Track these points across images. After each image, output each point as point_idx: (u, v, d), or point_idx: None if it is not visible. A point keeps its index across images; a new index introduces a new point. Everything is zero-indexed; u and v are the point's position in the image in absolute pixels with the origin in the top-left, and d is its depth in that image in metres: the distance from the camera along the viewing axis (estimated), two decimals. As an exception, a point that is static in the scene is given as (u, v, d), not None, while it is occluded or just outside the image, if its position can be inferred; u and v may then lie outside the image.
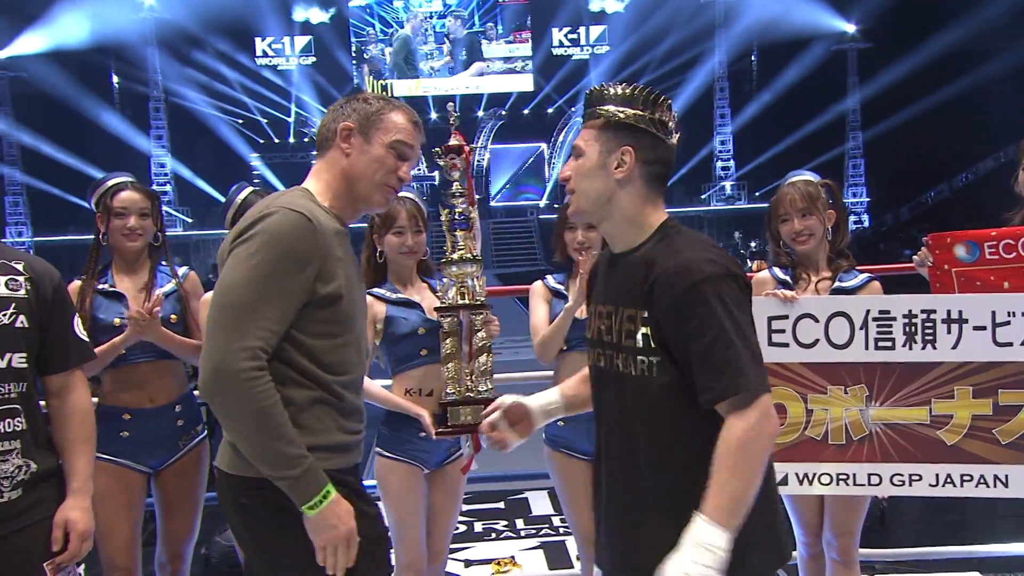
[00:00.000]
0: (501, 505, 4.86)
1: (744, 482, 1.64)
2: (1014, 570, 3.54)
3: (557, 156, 27.46)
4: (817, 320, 2.73)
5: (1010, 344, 2.66)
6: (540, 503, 4.88)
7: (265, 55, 27.51)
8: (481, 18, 28.56)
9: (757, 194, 22.73)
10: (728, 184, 25.85)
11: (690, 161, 24.81)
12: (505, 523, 4.63)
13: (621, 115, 1.80)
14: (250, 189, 2.95)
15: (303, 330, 1.83)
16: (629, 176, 1.80)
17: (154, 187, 26.79)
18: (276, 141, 28.58)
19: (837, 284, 2.82)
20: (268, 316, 1.77)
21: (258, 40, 27.57)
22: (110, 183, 2.84)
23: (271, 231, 1.79)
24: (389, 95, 2.05)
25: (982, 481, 2.72)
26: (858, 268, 2.88)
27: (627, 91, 1.81)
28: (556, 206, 26.87)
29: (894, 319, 2.72)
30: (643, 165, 1.80)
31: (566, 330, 2.93)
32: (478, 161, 27.00)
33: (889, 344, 2.72)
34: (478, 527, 4.58)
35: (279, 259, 1.78)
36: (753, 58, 25.26)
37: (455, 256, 2.71)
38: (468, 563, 4.09)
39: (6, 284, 2.09)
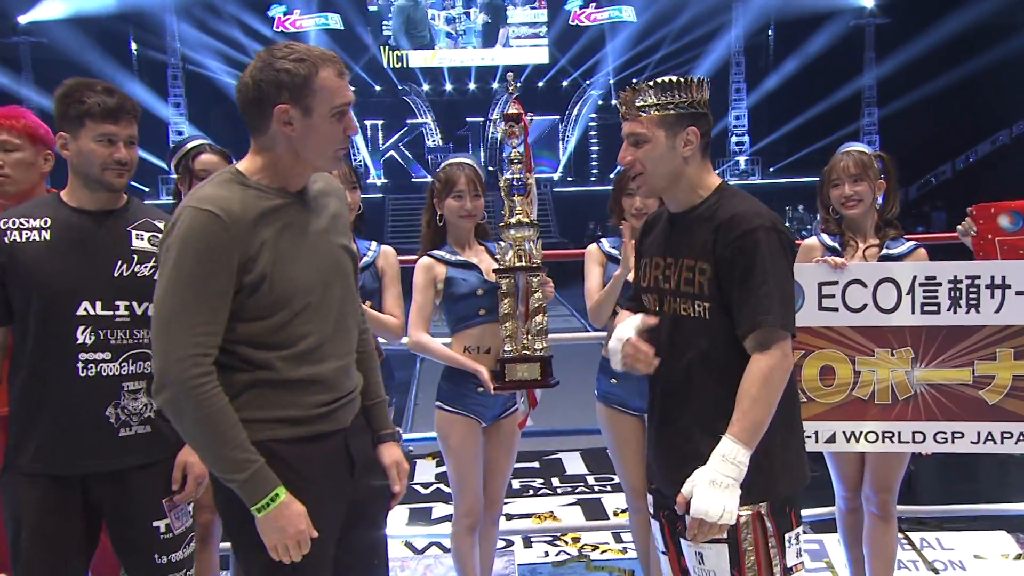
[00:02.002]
0: (536, 465, 5.02)
1: (764, 410, 1.93)
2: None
3: (572, 130, 27.39)
4: (865, 286, 2.84)
5: (1051, 309, 2.78)
6: (574, 463, 5.04)
7: (282, 23, 27.45)
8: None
9: (771, 169, 22.76)
10: (742, 159, 25.81)
11: (705, 136, 24.77)
12: (541, 480, 4.79)
13: (684, 103, 2.03)
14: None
15: (235, 316, 1.85)
16: (694, 152, 2.05)
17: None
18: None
19: (885, 251, 2.93)
20: (199, 320, 1.80)
21: (275, 7, 27.51)
22: (189, 146, 2.95)
23: (182, 236, 1.81)
24: (303, 45, 1.94)
25: (1022, 438, 2.85)
26: (905, 236, 2.99)
27: (676, 81, 2.05)
28: (570, 179, 26.89)
29: (939, 284, 2.83)
30: (701, 139, 2.06)
31: (617, 294, 3.04)
32: (492, 133, 27.01)
33: (935, 308, 2.84)
34: (516, 484, 4.74)
35: (195, 263, 1.80)
36: (770, 33, 25.15)
37: (513, 220, 2.82)
38: (509, 516, 4.25)
39: (149, 240, 2.28)
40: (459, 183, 3.02)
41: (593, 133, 27.38)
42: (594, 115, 27.27)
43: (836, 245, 2.96)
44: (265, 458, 1.84)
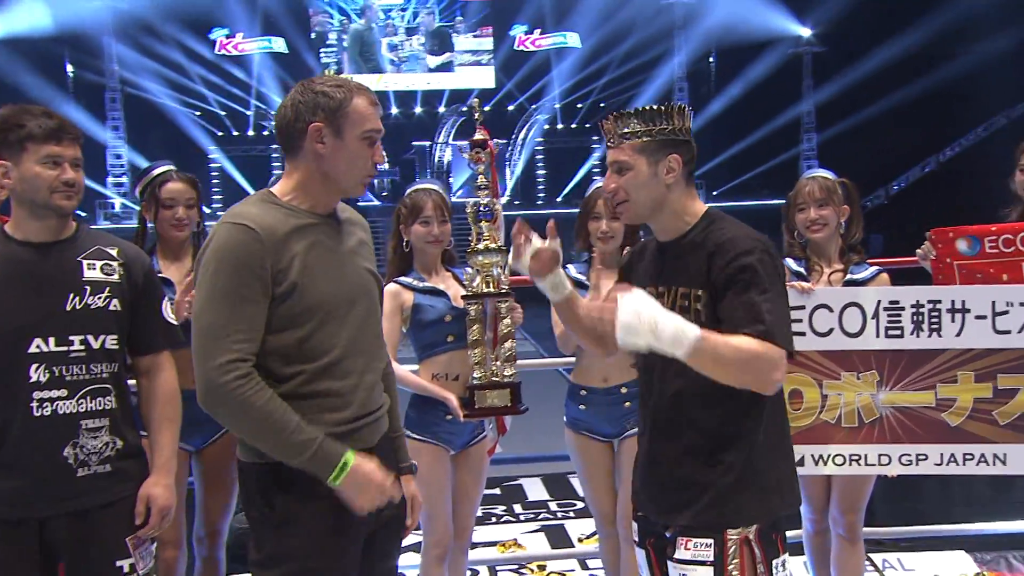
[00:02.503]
0: (498, 491, 4.98)
1: (724, 364, 1.87)
2: (997, 548, 3.75)
3: (518, 154, 27.53)
4: (832, 310, 2.89)
5: (1008, 332, 2.85)
6: (535, 489, 5.01)
7: (224, 46, 27.12)
8: (442, 12, 28.51)
9: (715, 193, 23.12)
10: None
11: (650, 161, 25.09)
12: (503, 507, 4.75)
13: (667, 131, 2.05)
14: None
15: (265, 328, 1.92)
16: (676, 179, 2.06)
17: (109, 178, 26.04)
18: (235, 133, 28.21)
19: (849, 276, 2.98)
20: (238, 328, 1.88)
21: (217, 30, 27.18)
22: (156, 172, 2.89)
23: (219, 250, 1.90)
24: (341, 76, 2.10)
25: (982, 459, 2.90)
26: (867, 261, 3.05)
27: (657, 109, 2.07)
28: (517, 203, 26.97)
29: (903, 309, 2.89)
30: (684, 167, 2.07)
31: None
32: (439, 157, 27.01)
33: (898, 332, 2.89)
34: (478, 512, 4.67)
35: (231, 275, 1.88)
36: (711, 60, 25.68)
37: (480, 246, 2.82)
38: (473, 545, 4.17)
39: (102, 269, 2.19)
40: (426, 209, 3.00)
41: (540, 157, 27.57)
42: (540, 139, 27.48)
43: (802, 270, 3.01)
44: (288, 479, 1.91)
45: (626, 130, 2.05)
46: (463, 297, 2.85)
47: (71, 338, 2.12)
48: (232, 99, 27.80)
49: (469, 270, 2.84)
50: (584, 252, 3.17)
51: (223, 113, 27.87)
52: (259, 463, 1.95)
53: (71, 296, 2.13)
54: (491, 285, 2.81)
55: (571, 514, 4.64)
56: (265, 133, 28.15)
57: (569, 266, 3.21)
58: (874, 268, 3.03)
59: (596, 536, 4.20)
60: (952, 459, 2.92)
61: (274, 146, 27.82)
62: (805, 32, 23.73)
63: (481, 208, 2.84)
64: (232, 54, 27.14)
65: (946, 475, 2.97)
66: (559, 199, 25.89)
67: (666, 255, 2.11)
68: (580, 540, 4.28)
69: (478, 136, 2.87)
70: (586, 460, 3.13)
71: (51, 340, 2.10)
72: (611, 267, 3.07)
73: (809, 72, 23.63)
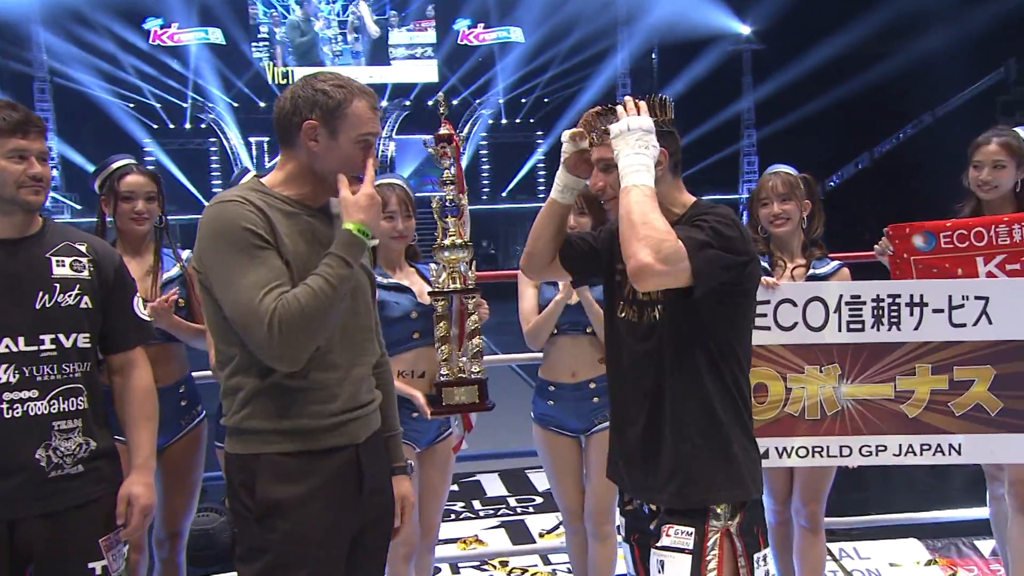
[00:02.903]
0: (456, 488, 4.95)
1: (637, 223, 1.88)
2: (947, 535, 3.86)
3: (462, 149, 27.41)
4: (796, 304, 2.93)
5: (964, 325, 2.92)
6: (493, 484, 5.00)
7: (159, 37, 26.44)
8: (382, 6, 28.23)
9: (658, 189, 23.33)
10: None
11: (593, 156, 25.22)
12: (462, 504, 4.73)
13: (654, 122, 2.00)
14: (253, 173, 2.95)
15: None
16: (664, 172, 2.04)
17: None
18: (171, 126, 27.56)
19: (812, 271, 3.03)
20: (261, 273, 1.82)
21: (151, 20, 26.48)
22: (114, 165, 2.82)
23: (215, 227, 1.86)
24: (346, 76, 2.08)
25: (939, 450, 2.98)
26: (829, 256, 3.10)
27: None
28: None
29: (864, 303, 2.94)
30: (670, 158, 2.05)
31: (555, 319, 3.04)
32: (383, 152, 26.76)
33: (860, 326, 2.94)
34: (439, 509, 4.65)
35: (237, 240, 1.84)
36: (654, 56, 25.88)
37: (447, 242, 2.79)
38: (433, 543, 4.16)
39: (71, 266, 2.14)
40: (390, 203, 2.96)
41: (484, 153, 27.48)
42: (485, 134, 27.39)
43: (766, 264, 3.04)
44: (271, 472, 1.89)
45: (609, 126, 2.02)
46: (430, 293, 2.81)
47: (41, 337, 2.06)
48: (168, 91, 27.13)
49: (435, 266, 2.82)
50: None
51: (158, 105, 27.19)
52: (242, 454, 1.92)
53: (40, 294, 2.08)
54: (458, 281, 2.79)
55: (531, 509, 4.65)
56: (203, 126, 27.55)
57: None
58: (836, 263, 3.08)
59: (557, 531, 4.23)
60: (910, 450, 2.98)
61: (212, 139, 27.29)
62: (745, 30, 24.07)
63: (447, 203, 2.81)
64: (168, 44, 26.48)
65: (888, 466, 3.03)
66: (504, 194, 25.85)
67: None
68: (541, 535, 4.28)
69: (443, 131, 2.83)
70: (554, 456, 3.13)
71: (20, 340, 2.04)
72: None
73: (749, 69, 23.99)
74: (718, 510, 1.99)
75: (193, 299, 2.87)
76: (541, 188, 25.51)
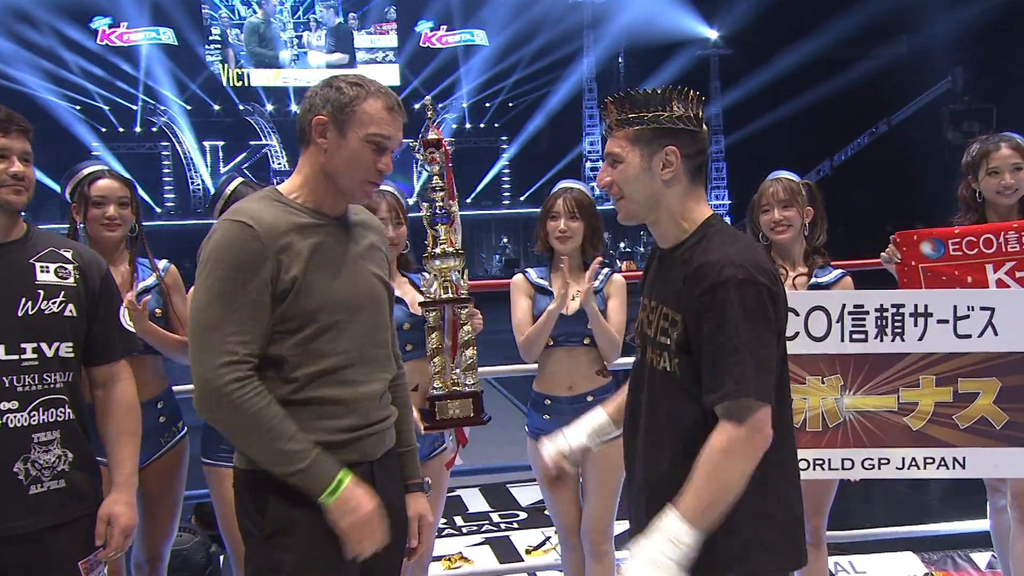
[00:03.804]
0: (436, 502, 4.82)
1: (719, 489, 1.70)
2: (943, 548, 3.82)
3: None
4: (798, 314, 2.84)
5: (969, 336, 2.86)
6: (474, 500, 4.88)
7: (107, 36, 25.87)
8: (346, 8, 28.00)
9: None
10: (596, 185, 26.28)
11: (560, 161, 25.21)
12: (444, 520, 4.59)
13: (661, 118, 1.82)
14: (239, 180, 2.84)
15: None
16: (675, 175, 1.83)
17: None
18: (120, 130, 27.05)
19: (814, 280, 2.96)
20: (234, 329, 1.79)
21: (99, 19, 25.92)
22: (86, 171, 2.70)
23: (216, 248, 1.83)
24: (367, 76, 2.02)
25: (943, 463, 2.91)
26: (831, 264, 3.03)
27: (658, 92, 1.84)
28: (425, 203, 26.53)
29: (867, 313, 2.87)
30: (687, 161, 1.84)
31: (550, 330, 2.95)
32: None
33: (862, 336, 2.87)
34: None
35: (228, 273, 1.81)
36: (620, 60, 25.96)
37: (438, 250, 2.70)
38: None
39: (56, 272, 2.06)
40: (380, 211, 2.85)
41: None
42: (449, 139, 27.24)
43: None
44: (281, 489, 1.82)
45: (619, 116, 1.85)
46: (421, 304, 2.73)
47: (23, 346, 1.98)
48: (117, 93, 26.64)
49: (426, 275, 2.71)
50: (545, 254, 3.09)
51: (107, 108, 26.67)
52: (252, 470, 1.85)
53: (23, 301, 1.99)
54: (450, 291, 2.70)
55: (515, 525, 4.53)
56: (154, 130, 27.05)
57: (529, 271, 3.13)
58: (838, 271, 3.02)
59: (544, 548, 4.13)
60: (914, 463, 2.92)
61: (164, 143, 26.81)
62: (712, 34, 24.21)
63: (437, 211, 2.74)
64: (117, 45, 25.95)
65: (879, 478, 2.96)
66: (468, 200, 25.75)
67: (662, 266, 1.93)
68: (528, 552, 4.17)
69: (431, 136, 2.75)
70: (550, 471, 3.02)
71: (1, 348, 1.95)
72: (575, 269, 2.99)
73: (716, 75, 24.13)
74: None
75: (170, 310, 2.75)
76: (506, 194, 25.48)
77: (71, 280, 2.08)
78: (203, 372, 1.78)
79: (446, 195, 2.79)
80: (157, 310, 2.72)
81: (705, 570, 1.73)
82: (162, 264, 2.83)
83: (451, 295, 2.70)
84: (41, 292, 2.02)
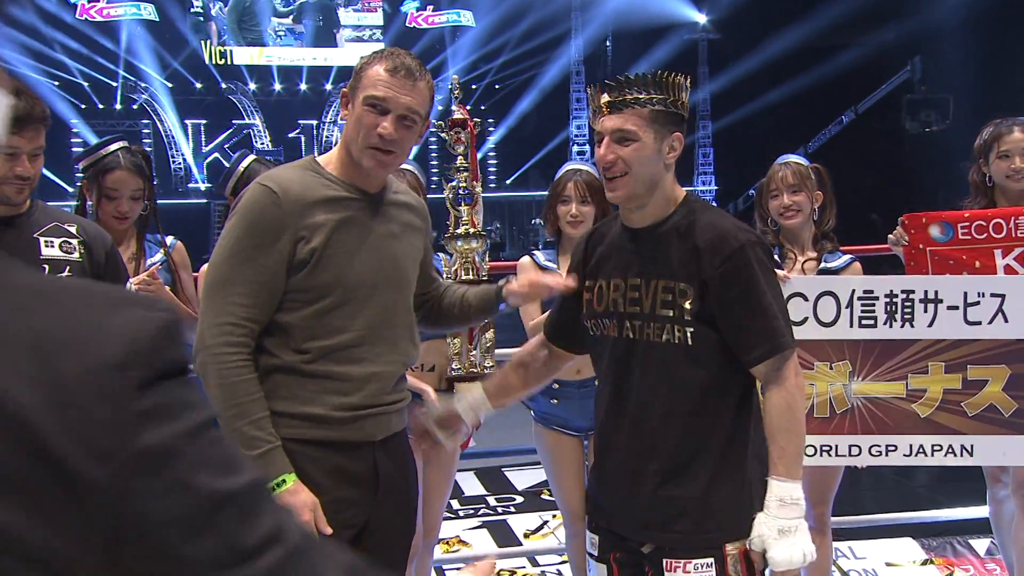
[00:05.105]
0: (431, 486, 4.79)
1: (798, 436, 1.87)
2: (942, 534, 3.83)
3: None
4: (807, 299, 2.82)
5: (979, 323, 2.85)
6: (470, 483, 4.85)
7: (87, 11, 25.42)
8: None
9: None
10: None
11: (547, 145, 25.08)
12: (440, 504, 4.56)
13: (678, 103, 1.90)
14: (252, 158, 2.78)
15: (279, 304, 1.87)
16: (674, 159, 1.93)
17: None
18: (100, 107, 26.64)
19: (823, 264, 2.94)
20: (240, 291, 1.81)
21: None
22: (104, 152, 2.60)
23: (242, 208, 1.86)
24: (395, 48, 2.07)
25: (950, 451, 2.90)
26: (840, 249, 3.01)
27: (669, 79, 1.89)
28: (448, 183, 26.22)
29: (877, 298, 2.85)
30: (681, 147, 1.94)
31: None
32: (327, 136, 26.26)
33: (872, 322, 2.85)
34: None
35: (246, 234, 1.83)
36: (608, 44, 25.79)
37: (460, 231, 2.68)
38: (413, 545, 4.01)
39: (60, 246, 2.05)
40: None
41: (432, 140, 27.18)
42: (433, 121, 27.09)
43: (776, 257, 2.94)
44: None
45: (640, 95, 1.86)
46: (441, 285, 2.68)
47: None
48: (97, 69, 26.20)
49: (447, 256, 2.69)
50: (553, 236, 3.05)
51: (86, 84, 26.25)
52: None
53: None
54: (471, 272, 2.67)
55: (512, 509, 4.51)
56: (135, 107, 26.66)
57: (537, 252, 3.09)
58: (847, 256, 2.99)
59: (542, 532, 4.11)
60: (921, 450, 2.91)
61: (145, 121, 26.45)
62: (701, 18, 24.08)
63: (460, 191, 2.72)
64: (97, 20, 25.52)
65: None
66: (449, 185, 25.63)
67: (641, 243, 1.95)
68: (526, 536, 4.15)
69: (457, 115, 2.73)
70: (557, 456, 3.00)
71: None
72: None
73: (705, 60, 24.02)
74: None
75: (177, 285, 2.69)
76: (492, 177, 25.33)
77: (76, 255, 2.07)
78: (202, 327, 1.81)
79: (470, 176, 2.79)
80: (166, 287, 2.67)
81: (732, 534, 1.88)
82: (169, 240, 2.78)
83: (472, 276, 2.68)
84: (46, 267, 2.00)
